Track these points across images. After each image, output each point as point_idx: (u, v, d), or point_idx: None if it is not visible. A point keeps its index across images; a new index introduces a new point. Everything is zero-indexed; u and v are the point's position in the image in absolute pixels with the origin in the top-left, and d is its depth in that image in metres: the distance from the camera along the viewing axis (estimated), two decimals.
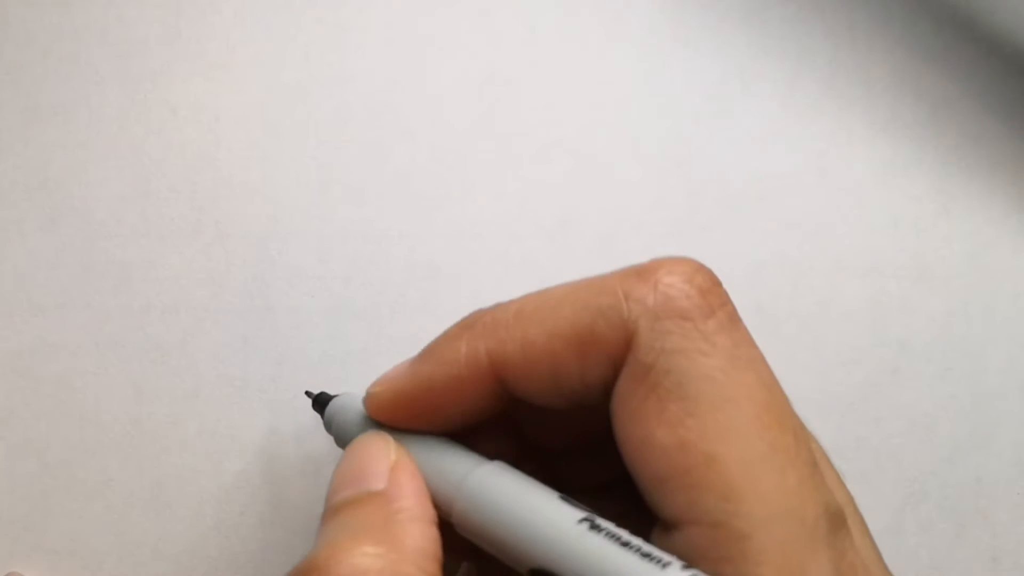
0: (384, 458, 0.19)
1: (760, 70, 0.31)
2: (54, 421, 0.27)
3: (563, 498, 0.18)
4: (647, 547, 0.16)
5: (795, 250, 0.30)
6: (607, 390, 0.18)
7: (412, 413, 0.20)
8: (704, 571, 0.16)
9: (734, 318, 0.18)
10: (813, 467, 0.17)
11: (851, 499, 0.20)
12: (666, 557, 0.16)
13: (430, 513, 0.19)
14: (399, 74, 0.29)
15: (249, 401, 0.27)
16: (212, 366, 0.27)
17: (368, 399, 0.21)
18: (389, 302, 0.28)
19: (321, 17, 0.29)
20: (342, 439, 0.22)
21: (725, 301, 0.18)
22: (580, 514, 0.17)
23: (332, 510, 0.19)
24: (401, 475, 0.19)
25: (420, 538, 0.18)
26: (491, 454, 0.20)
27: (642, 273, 0.18)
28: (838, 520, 0.17)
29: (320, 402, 0.24)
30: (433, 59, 0.29)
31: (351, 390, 0.23)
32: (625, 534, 0.17)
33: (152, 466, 0.27)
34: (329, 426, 0.23)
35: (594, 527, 0.17)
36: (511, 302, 0.20)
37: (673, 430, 0.17)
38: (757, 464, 0.16)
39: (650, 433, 0.17)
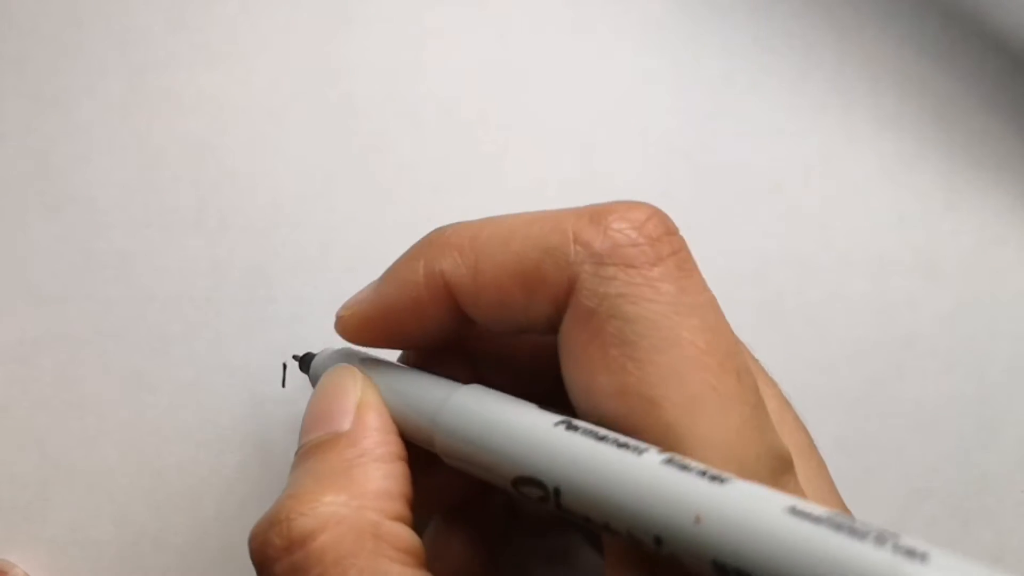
0: (351, 395, 0.20)
1: (766, 65, 0.31)
2: (55, 411, 0.27)
3: (540, 407, 0.18)
4: (624, 439, 0.16)
5: (800, 245, 0.30)
6: (553, 327, 0.19)
7: (379, 335, 0.21)
8: None
9: (684, 266, 0.18)
10: (756, 408, 0.17)
11: (809, 442, 0.20)
12: (643, 445, 0.16)
13: (395, 450, 0.19)
14: (404, 65, 0.29)
15: (251, 392, 0.27)
16: (214, 357, 0.27)
17: (337, 322, 0.21)
18: None
19: (326, 7, 0.29)
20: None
21: (677, 249, 0.18)
22: (557, 418, 0.17)
23: (302, 453, 0.19)
24: (366, 413, 0.19)
25: (382, 479, 0.18)
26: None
27: (595, 216, 0.18)
28: (782, 464, 0.17)
29: (307, 362, 0.25)
30: (438, 50, 0.29)
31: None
32: (601, 430, 0.17)
33: (153, 457, 0.27)
34: (314, 381, 0.24)
35: (571, 427, 0.17)
36: (470, 224, 0.20)
37: (614, 375, 0.17)
38: (696, 406, 0.17)
39: (593, 378, 0.17)
